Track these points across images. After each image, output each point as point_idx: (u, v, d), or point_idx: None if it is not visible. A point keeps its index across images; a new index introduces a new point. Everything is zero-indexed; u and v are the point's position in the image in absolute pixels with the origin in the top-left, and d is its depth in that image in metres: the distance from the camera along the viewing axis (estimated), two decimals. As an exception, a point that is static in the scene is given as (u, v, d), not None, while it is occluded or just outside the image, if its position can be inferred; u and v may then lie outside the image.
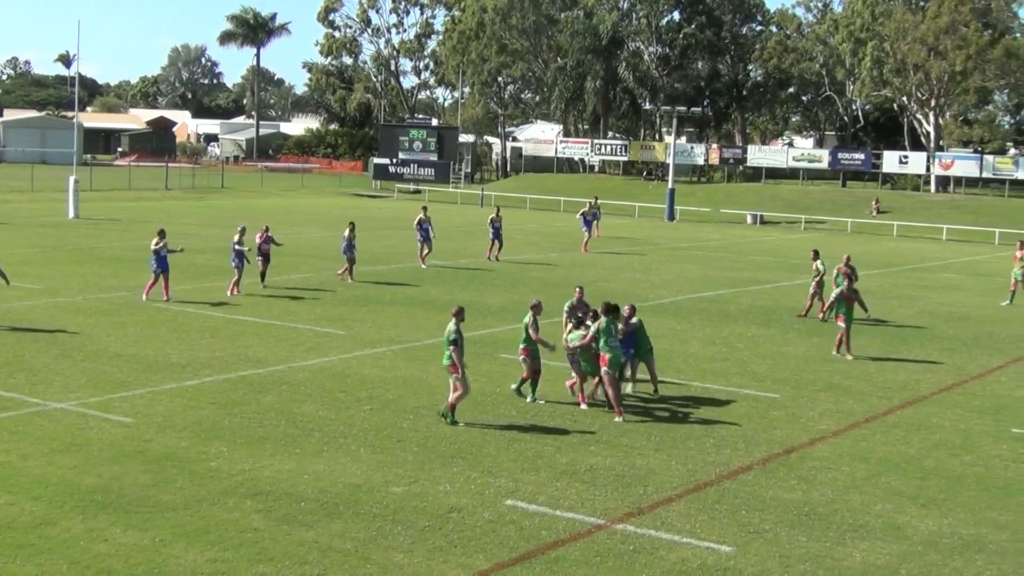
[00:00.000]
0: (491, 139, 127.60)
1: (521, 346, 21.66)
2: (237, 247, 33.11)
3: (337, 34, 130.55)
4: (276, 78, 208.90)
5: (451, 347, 19.49)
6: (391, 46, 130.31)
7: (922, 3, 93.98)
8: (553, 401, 21.57)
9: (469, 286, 37.36)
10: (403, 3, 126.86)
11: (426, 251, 42.60)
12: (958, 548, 14.89)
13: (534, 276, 40.77)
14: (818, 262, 33.37)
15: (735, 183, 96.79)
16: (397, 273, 38.95)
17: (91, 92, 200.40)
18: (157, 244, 31.41)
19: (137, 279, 35.56)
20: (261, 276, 34.60)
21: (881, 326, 32.69)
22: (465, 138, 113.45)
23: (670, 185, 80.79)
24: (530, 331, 21.39)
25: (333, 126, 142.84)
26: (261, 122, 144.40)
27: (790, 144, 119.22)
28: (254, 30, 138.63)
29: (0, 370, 22.34)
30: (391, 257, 43.57)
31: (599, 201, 59.71)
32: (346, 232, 37.36)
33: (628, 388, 22.61)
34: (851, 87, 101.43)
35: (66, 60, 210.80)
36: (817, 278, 33.38)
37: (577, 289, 24.00)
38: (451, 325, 19.71)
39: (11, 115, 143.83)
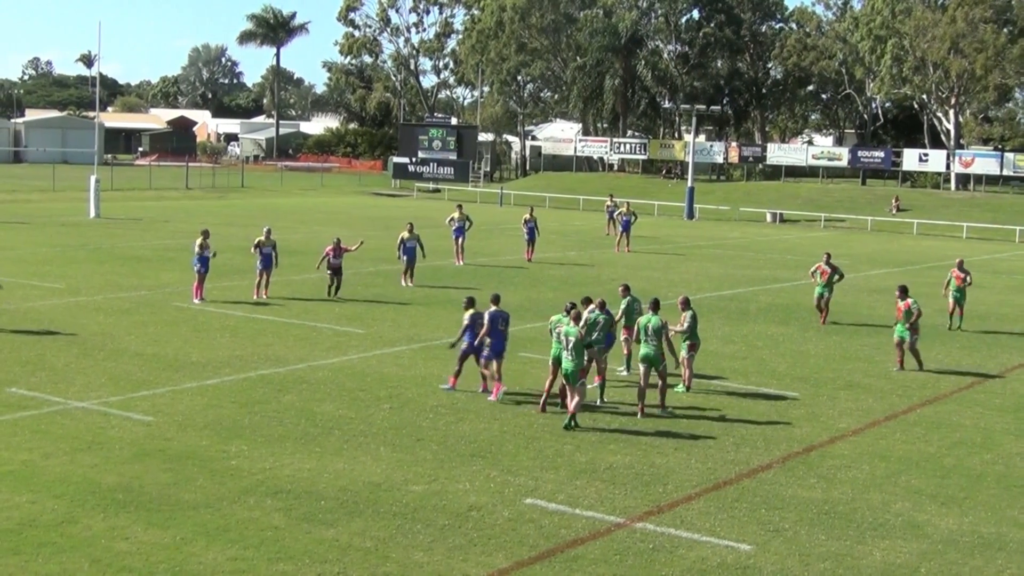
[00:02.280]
0: (510, 138, 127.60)
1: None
2: (263, 250, 32.69)
3: (357, 33, 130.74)
4: (296, 78, 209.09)
5: (587, 349, 20.19)
6: (410, 45, 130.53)
7: (942, 1, 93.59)
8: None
9: (488, 284, 37.34)
10: (422, 2, 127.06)
11: (460, 249, 43.18)
12: (978, 546, 14.86)
13: (553, 275, 40.77)
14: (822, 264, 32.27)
15: (754, 181, 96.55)
16: (416, 272, 38.92)
17: (112, 92, 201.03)
18: (200, 244, 31.41)
19: (158, 278, 35.73)
20: (334, 289, 33.08)
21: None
22: (484, 137, 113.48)
23: (689, 183, 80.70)
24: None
25: (353, 125, 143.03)
26: (281, 121, 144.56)
27: (810, 142, 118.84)
28: (274, 29, 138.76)
29: (22, 369, 22.47)
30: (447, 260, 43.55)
31: (616, 200, 60.12)
32: (404, 234, 36.69)
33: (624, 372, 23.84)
34: (870, 85, 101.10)
35: (87, 60, 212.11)
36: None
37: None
38: (572, 328, 19.78)
39: (33, 115, 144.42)
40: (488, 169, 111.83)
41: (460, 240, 43.04)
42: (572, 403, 19.64)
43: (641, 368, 21.03)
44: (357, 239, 36.93)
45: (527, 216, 46.45)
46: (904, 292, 25.96)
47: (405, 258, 36.61)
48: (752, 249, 55.82)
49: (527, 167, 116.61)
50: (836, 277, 32.24)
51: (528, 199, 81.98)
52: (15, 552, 13.27)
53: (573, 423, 19.54)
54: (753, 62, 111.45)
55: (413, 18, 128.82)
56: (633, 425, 20.00)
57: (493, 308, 21.66)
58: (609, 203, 59.23)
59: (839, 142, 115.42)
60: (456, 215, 43.43)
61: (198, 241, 31.57)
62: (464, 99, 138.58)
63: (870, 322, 32.67)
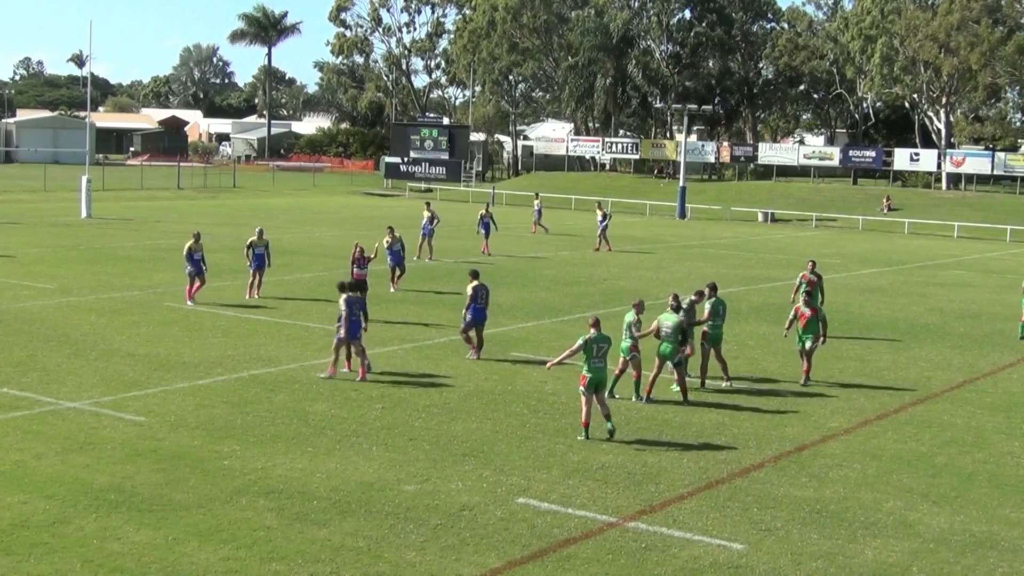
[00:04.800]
0: (502, 137, 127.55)
1: (629, 343, 21.81)
2: (255, 250, 32.57)
3: (348, 33, 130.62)
4: (287, 77, 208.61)
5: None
6: (402, 45, 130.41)
7: (932, 0, 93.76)
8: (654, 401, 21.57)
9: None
10: (414, 2, 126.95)
11: (427, 248, 44.19)
12: (970, 545, 14.89)
13: (545, 274, 40.78)
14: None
15: (746, 181, 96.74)
16: (408, 271, 38.91)
17: (103, 92, 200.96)
18: (191, 246, 31.18)
19: (149, 278, 35.69)
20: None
21: (901, 324, 32.66)
22: (476, 137, 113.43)
23: (681, 183, 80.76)
24: (633, 329, 21.83)
25: (344, 125, 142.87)
26: (273, 121, 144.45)
27: (801, 142, 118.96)
28: (265, 29, 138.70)
29: (14, 369, 22.43)
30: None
31: (541, 197, 62.50)
32: (386, 238, 35.62)
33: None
34: (861, 84, 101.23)
35: (78, 60, 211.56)
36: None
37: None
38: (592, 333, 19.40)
39: (24, 115, 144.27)
40: (480, 169, 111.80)
41: (428, 239, 44.23)
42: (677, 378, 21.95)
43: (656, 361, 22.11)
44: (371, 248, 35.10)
45: (483, 212, 48.30)
46: (811, 298, 24.40)
47: (393, 263, 35.57)
48: (744, 248, 55.87)
49: (519, 167, 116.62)
50: (820, 293, 29.71)
51: (520, 199, 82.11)
52: (7, 553, 13.25)
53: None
54: (744, 62, 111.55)
55: (404, 18, 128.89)
56: (626, 425, 20.00)
57: (347, 295, 22.74)
58: (536, 203, 60.35)
59: (830, 142, 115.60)
60: (426, 214, 44.86)
61: (189, 243, 31.41)
62: (456, 99, 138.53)
63: (861, 321, 32.71)
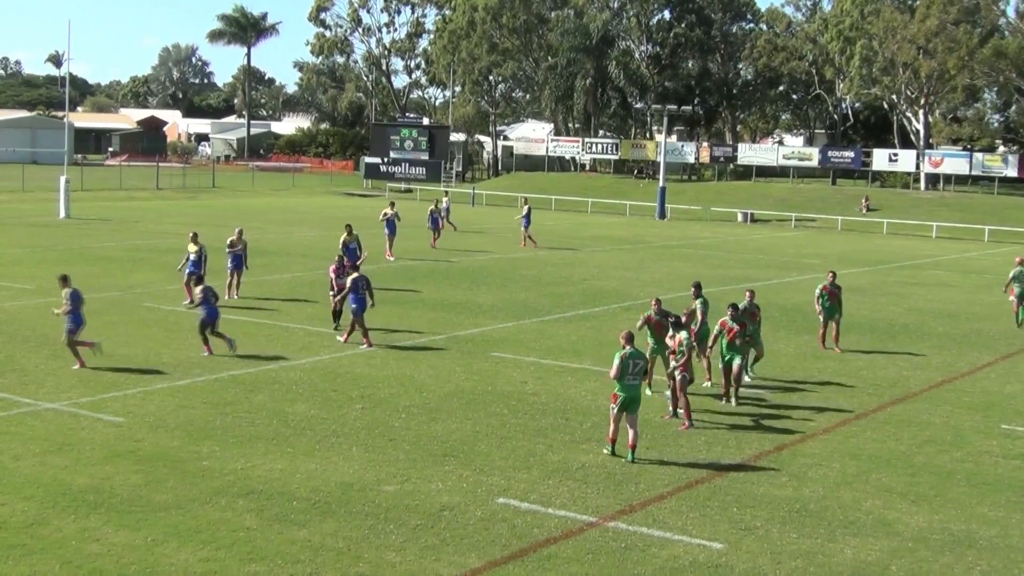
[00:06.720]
0: (482, 138, 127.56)
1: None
2: (234, 250, 32.53)
3: (328, 33, 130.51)
4: (267, 77, 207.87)
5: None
6: (382, 45, 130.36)
7: (911, 2, 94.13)
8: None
9: (460, 284, 37.36)
10: (394, 2, 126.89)
11: (389, 245, 44.89)
12: (948, 544, 14.95)
13: (525, 275, 40.77)
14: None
15: (725, 181, 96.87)
16: (387, 272, 38.90)
17: (82, 92, 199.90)
18: (192, 249, 30.80)
19: (128, 279, 35.55)
20: (335, 315, 28.30)
21: (880, 324, 32.77)
22: (456, 137, 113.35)
23: (661, 183, 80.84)
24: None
25: (324, 125, 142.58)
26: (252, 121, 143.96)
27: (780, 142, 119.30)
28: (244, 29, 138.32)
29: (-9, 370, 22.33)
30: (380, 256, 43.51)
31: (449, 197, 64.30)
32: (344, 236, 35.22)
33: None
34: (840, 85, 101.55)
35: (56, 60, 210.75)
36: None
37: (654, 301, 22.94)
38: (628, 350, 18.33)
39: (2, 115, 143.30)
40: (460, 169, 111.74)
41: (391, 236, 45.08)
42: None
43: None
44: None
45: (432, 207, 50.69)
46: (737, 311, 23.07)
47: (349, 260, 35.03)
48: (723, 249, 55.99)
49: (499, 167, 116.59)
50: (839, 304, 28.45)
51: (500, 199, 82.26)
52: (-15, 554, 13.20)
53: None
54: (724, 62, 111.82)
55: (384, 18, 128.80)
56: (605, 426, 19.98)
57: (70, 289, 23.08)
58: (445, 199, 60.32)
59: (809, 142, 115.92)
60: (388, 211, 45.84)
61: (191, 248, 31.04)
62: (436, 99, 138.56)
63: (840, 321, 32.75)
